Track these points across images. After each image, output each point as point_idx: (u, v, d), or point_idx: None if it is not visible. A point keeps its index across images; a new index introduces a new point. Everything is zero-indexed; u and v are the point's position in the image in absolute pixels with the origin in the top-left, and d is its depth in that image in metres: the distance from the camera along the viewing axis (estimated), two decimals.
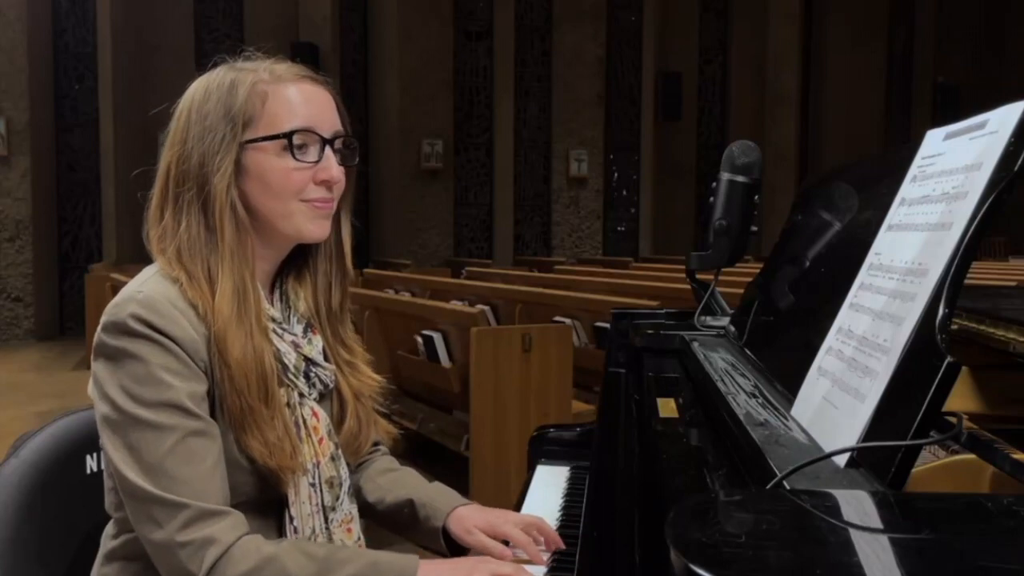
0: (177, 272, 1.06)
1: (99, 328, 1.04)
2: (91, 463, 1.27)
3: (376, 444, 1.34)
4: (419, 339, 4.05)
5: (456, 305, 4.43)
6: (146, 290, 1.04)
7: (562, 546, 1.19)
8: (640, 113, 12.03)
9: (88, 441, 1.27)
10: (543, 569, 1.15)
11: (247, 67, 1.13)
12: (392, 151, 10.52)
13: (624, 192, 12.26)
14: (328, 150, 1.12)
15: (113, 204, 9.13)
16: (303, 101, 1.11)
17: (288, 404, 1.12)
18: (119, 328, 1.02)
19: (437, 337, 3.94)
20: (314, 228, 1.12)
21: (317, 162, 1.11)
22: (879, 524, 0.60)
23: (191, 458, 1.00)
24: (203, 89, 1.12)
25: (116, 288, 6.21)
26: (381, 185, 10.75)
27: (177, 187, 1.09)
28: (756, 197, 1.65)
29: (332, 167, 1.12)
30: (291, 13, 9.89)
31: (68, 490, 1.24)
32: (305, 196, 1.11)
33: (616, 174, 12.16)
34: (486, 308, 4.77)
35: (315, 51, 9.51)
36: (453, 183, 11.07)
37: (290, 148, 1.09)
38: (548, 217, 11.71)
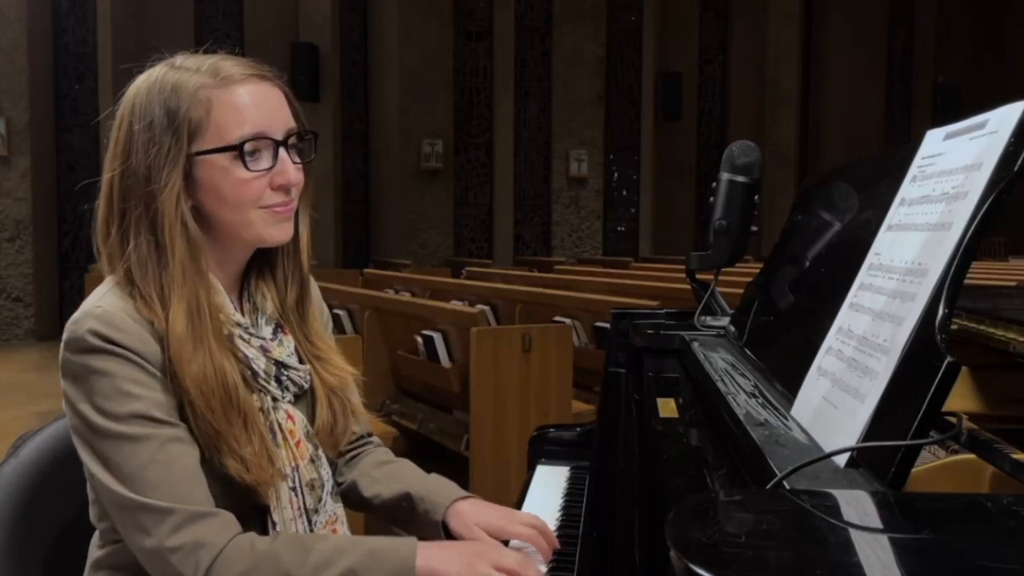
0: (130, 289, 1.04)
1: (61, 346, 1.02)
2: None
3: (369, 436, 1.33)
4: (419, 339, 4.05)
5: (456, 305, 4.43)
6: (104, 304, 1.02)
7: (558, 546, 1.17)
8: (640, 113, 12.02)
9: None
10: (543, 566, 1.15)
11: (188, 66, 1.07)
12: (392, 151, 10.52)
13: (624, 192, 12.25)
14: (282, 152, 1.07)
15: None
16: (251, 104, 1.05)
17: (262, 409, 1.09)
18: (79, 345, 1.00)
19: (437, 337, 3.94)
20: (276, 233, 1.09)
21: (272, 167, 1.06)
22: (879, 524, 0.60)
23: (171, 465, 0.99)
24: (144, 93, 1.06)
25: None
26: (381, 185, 10.75)
27: (123, 203, 1.05)
28: (756, 197, 1.65)
29: (288, 171, 1.07)
30: (291, 13, 9.88)
31: (68, 490, 1.24)
32: (263, 203, 1.07)
33: (616, 174, 12.15)
34: (486, 308, 4.77)
35: (315, 51, 9.51)
36: (453, 183, 11.06)
37: (241, 158, 1.04)
38: (548, 217, 11.70)
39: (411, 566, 0.98)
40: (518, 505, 1.43)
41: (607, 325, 2.01)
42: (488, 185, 11.37)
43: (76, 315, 1.03)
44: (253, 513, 1.09)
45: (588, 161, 11.58)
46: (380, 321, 4.49)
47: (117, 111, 1.08)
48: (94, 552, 1.12)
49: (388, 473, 1.27)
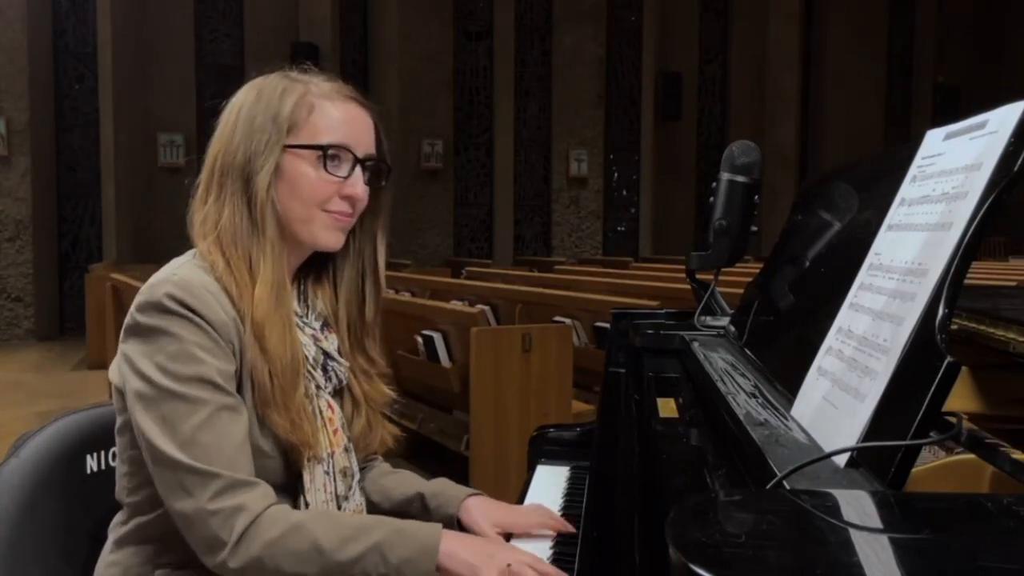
0: (215, 256, 1.11)
1: (132, 308, 1.08)
2: (91, 463, 1.27)
3: (374, 454, 1.37)
4: (419, 339, 4.05)
5: (456, 305, 4.43)
6: (181, 273, 1.09)
7: (571, 528, 1.24)
8: (640, 113, 12.02)
9: (88, 441, 1.27)
10: (548, 551, 1.19)
11: (301, 79, 1.19)
12: (392, 151, 10.46)
13: (624, 192, 12.25)
14: (358, 169, 1.17)
15: (113, 204, 9.12)
16: (345, 120, 1.18)
17: (306, 394, 1.16)
18: (155, 307, 1.06)
19: (437, 337, 3.94)
20: (329, 238, 1.18)
21: (346, 178, 1.16)
22: (879, 524, 0.60)
23: (222, 431, 1.03)
24: (256, 91, 1.17)
25: (116, 288, 6.23)
26: None
27: (222, 176, 1.15)
28: (756, 197, 1.65)
29: (357, 185, 1.17)
30: (291, 13, 9.88)
31: (68, 490, 1.24)
32: (328, 207, 1.16)
33: (616, 174, 12.15)
34: (486, 308, 4.77)
35: (315, 51, 9.49)
36: (453, 183, 11.06)
37: (324, 160, 1.14)
38: (548, 217, 11.70)
39: (435, 546, 1.03)
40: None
41: (607, 325, 2.01)
42: (488, 185, 11.37)
43: (152, 281, 1.09)
44: (287, 494, 1.14)
45: (588, 161, 11.58)
46: (380, 321, 4.48)
47: (229, 102, 1.18)
48: (117, 530, 1.16)
49: (395, 480, 1.33)
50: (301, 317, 1.20)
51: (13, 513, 1.18)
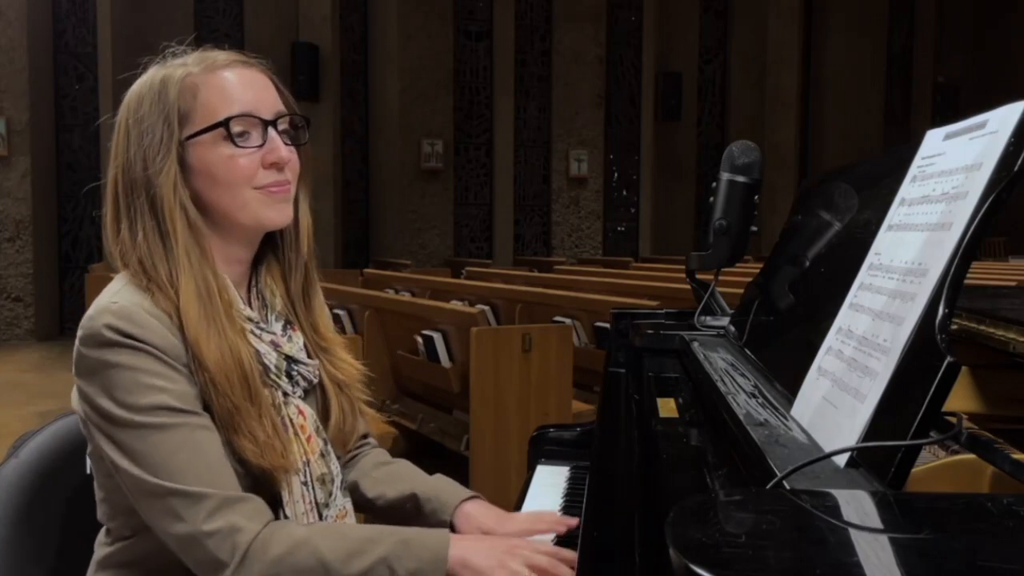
0: (145, 283, 1.05)
1: (76, 342, 1.02)
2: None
3: (365, 437, 1.33)
4: (419, 339, 4.05)
5: (456, 305, 4.43)
6: (119, 300, 1.03)
7: (574, 523, 1.20)
8: (640, 113, 12.02)
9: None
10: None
11: (176, 63, 1.10)
12: (392, 151, 10.52)
13: (624, 192, 12.25)
14: (272, 131, 1.09)
15: None
16: (237, 86, 1.08)
17: (273, 404, 1.10)
18: (95, 340, 1.00)
19: (437, 337, 3.93)
20: (274, 215, 1.10)
21: (261, 145, 1.08)
22: (879, 524, 0.60)
23: (199, 451, 0.99)
24: (136, 95, 1.10)
25: None
26: (381, 185, 10.74)
27: (126, 197, 1.08)
28: (756, 197, 1.65)
29: (279, 148, 1.08)
30: (291, 13, 9.88)
31: (68, 490, 1.24)
32: (257, 183, 1.08)
33: (616, 174, 12.15)
34: (486, 308, 4.77)
35: (315, 51, 9.50)
36: (453, 183, 11.06)
37: (229, 136, 1.06)
38: (548, 217, 11.70)
39: (444, 556, 0.99)
40: (518, 505, 1.43)
41: (607, 325, 2.01)
42: (488, 185, 11.37)
43: (91, 311, 1.03)
44: None
45: (588, 161, 11.57)
46: (380, 321, 4.49)
47: (116, 120, 1.11)
48: (101, 550, 1.12)
49: (390, 473, 1.28)
50: (257, 324, 1.12)
51: (13, 513, 1.18)
